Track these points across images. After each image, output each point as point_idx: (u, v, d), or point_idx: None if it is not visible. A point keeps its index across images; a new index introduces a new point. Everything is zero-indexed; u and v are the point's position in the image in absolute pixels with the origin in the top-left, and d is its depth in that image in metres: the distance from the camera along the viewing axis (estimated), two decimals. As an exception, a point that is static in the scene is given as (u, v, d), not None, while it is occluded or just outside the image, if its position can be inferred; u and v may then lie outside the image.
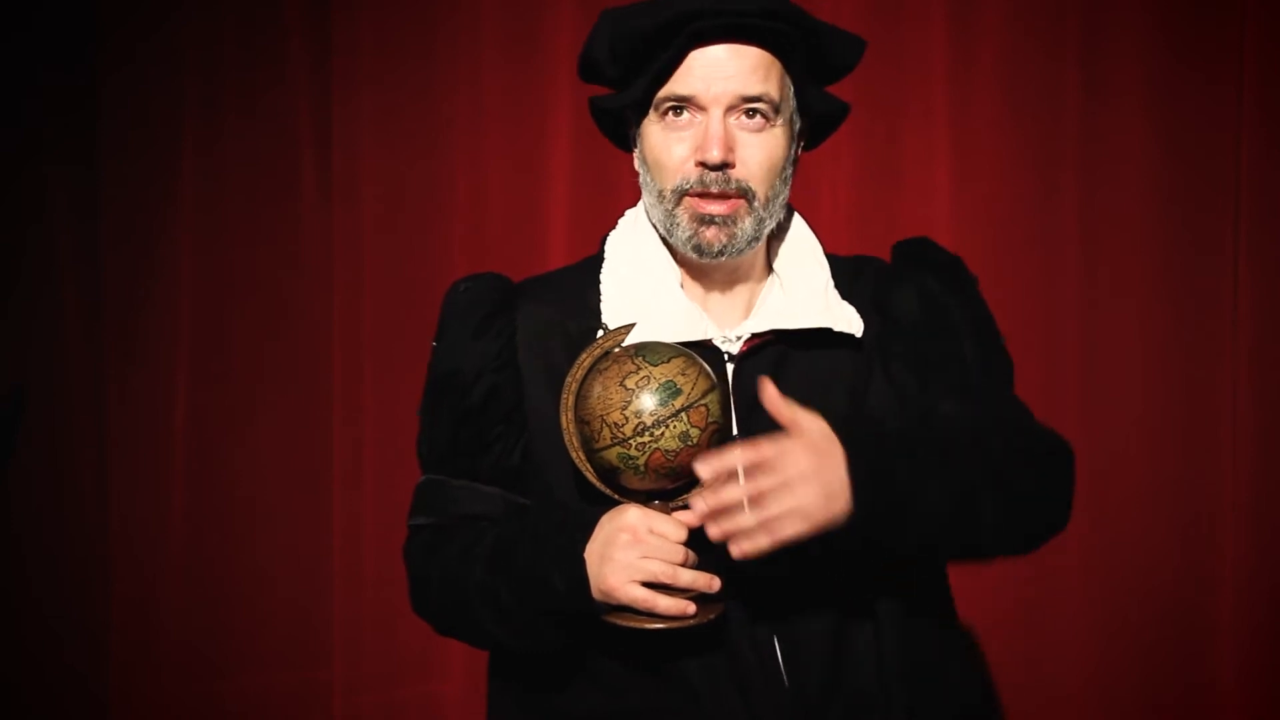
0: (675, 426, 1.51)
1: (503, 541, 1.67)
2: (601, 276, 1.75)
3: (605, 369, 1.56)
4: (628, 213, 1.81)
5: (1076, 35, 3.15)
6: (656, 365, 1.54)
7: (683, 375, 1.53)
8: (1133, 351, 3.17)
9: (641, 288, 1.72)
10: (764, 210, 1.67)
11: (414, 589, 1.78)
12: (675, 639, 1.60)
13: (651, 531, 1.55)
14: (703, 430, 1.53)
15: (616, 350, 1.60)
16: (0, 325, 3.40)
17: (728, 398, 1.63)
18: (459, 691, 3.35)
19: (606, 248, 1.79)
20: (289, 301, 3.48)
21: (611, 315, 1.71)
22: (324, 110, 3.43)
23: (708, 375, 1.56)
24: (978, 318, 1.81)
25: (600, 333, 1.69)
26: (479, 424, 1.72)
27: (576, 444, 1.60)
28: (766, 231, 1.69)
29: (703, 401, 1.53)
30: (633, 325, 1.66)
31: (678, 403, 1.52)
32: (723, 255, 1.67)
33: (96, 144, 3.46)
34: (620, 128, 1.78)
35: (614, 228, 1.81)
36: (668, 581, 1.55)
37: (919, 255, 1.83)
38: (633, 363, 1.54)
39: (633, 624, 1.57)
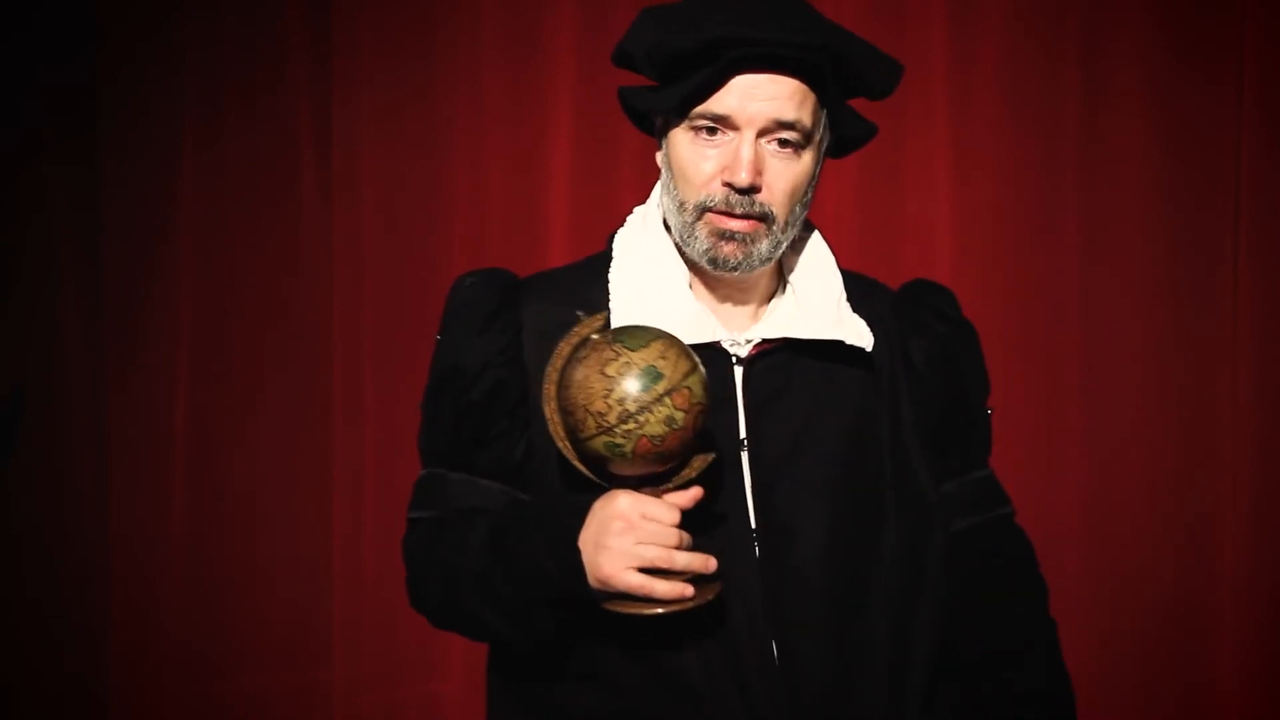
0: (659, 411, 1.49)
1: (497, 531, 1.67)
2: (610, 275, 1.74)
3: (584, 357, 1.54)
4: (637, 210, 1.81)
5: (1076, 35, 3.15)
6: (636, 350, 1.51)
7: (663, 359, 1.51)
8: (1133, 351, 3.17)
9: (650, 287, 1.71)
10: (781, 234, 1.67)
11: (411, 582, 1.77)
12: (675, 628, 1.59)
13: (644, 517, 1.54)
14: (687, 412, 1.51)
15: (594, 337, 1.58)
16: (0, 325, 3.40)
17: (707, 377, 1.58)
18: (459, 691, 3.35)
19: (615, 246, 1.78)
20: (289, 301, 3.48)
21: (619, 314, 1.70)
22: (324, 110, 3.43)
23: (688, 356, 1.53)
24: (982, 392, 1.84)
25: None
26: (482, 419, 1.72)
27: (562, 433, 1.58)
28: (781, 251, 1.69)
29: (685, 384, 1.51)
30: (607, 312, 1.66)
31: (660, 387, 1.50)
32: (737, 270, 1.67)
33: (96, 144, 3.46)
34: (645, 114, 1.77)
35: (621, 225, 1.81)
36: (664, 565, 1.54)
37: (938, 309, 1.83)
38: (611, 349, 1.52)
39: (632, 610, 1.56)
